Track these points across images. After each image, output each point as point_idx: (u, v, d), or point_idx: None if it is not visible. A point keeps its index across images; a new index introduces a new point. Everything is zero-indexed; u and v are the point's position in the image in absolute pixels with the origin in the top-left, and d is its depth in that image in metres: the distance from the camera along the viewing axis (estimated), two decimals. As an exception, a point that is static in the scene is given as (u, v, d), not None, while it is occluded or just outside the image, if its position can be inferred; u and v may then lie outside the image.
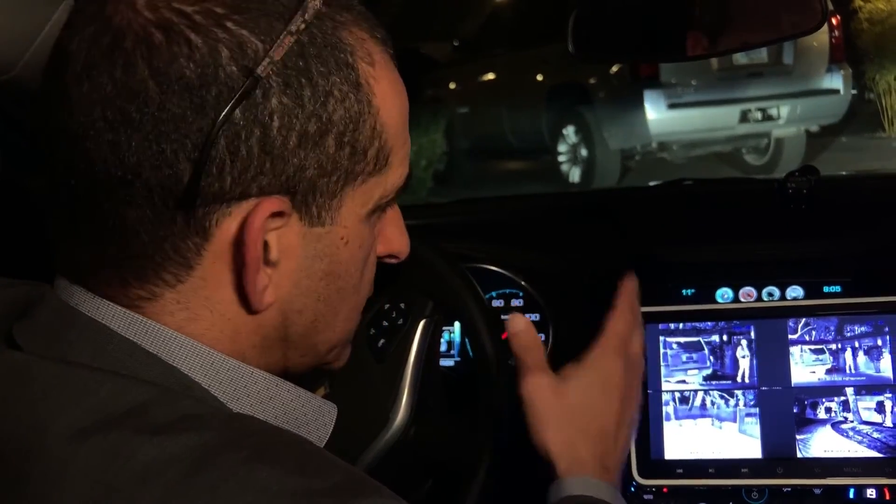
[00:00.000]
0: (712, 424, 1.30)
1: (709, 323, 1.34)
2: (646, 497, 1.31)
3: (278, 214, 0.69)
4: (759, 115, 7.16)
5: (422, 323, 1.29)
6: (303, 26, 0.67)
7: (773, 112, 7.17)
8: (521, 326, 1.07)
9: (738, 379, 1.31)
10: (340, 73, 0.69)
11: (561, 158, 7.64)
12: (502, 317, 1.13)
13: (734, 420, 1.29)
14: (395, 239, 0.84)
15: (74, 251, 0.72)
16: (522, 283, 1.60)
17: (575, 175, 7.49)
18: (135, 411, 0.65)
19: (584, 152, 7.41)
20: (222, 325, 0.72)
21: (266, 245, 0.69)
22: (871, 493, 1.31)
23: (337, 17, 0.71)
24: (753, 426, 1.28)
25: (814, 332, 1.30)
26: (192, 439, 0.64)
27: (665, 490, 1.33)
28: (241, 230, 0.68)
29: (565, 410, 1.02)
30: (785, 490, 1.32)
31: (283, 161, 0.67)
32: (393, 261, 0.85)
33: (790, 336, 1.31)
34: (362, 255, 0.77)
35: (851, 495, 1.31)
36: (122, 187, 0.66)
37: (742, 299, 1.47)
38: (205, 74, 0.65)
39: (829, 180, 1.61)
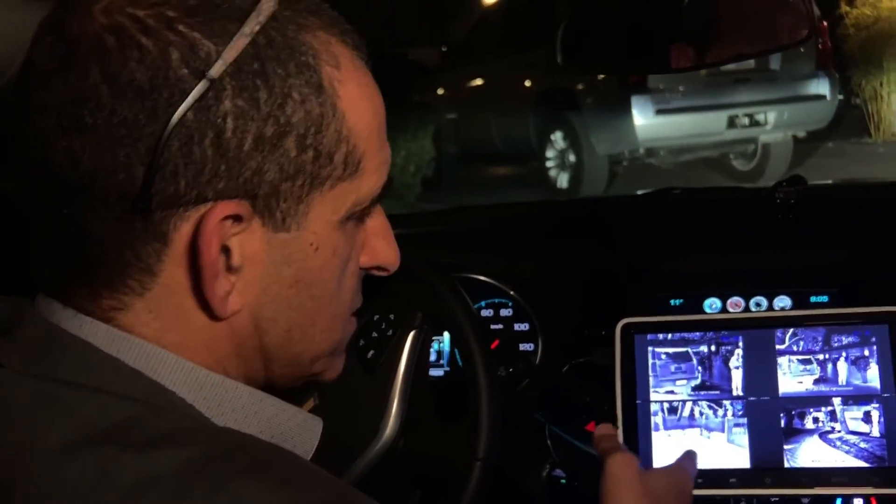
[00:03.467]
0: (700, 434, 1.30)
1: (697, 333, 1.35)
2: (634, 507, 1.31)
3: (235, 218, 0.68)
4: (746, 121, 7.18)
5: (411, 334, 1.29)
6: (257, 28, 0.67)
7: (761, 118, 7.20)
8: (605, 430, 1.18)
9: (727, 389, 1.31)
10: (301, 75, 0.68)
11: (549, 164, 7.66)
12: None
13: (722, 430, 1.29)
14: (381, 250, 0.82)
15: (48, 263, 0.72)
16: (511, 292, 1.60)
17: (563, 180, 7.50)
18: (121, 426, 0.65)
19: (571, 158, 7.42)
20: (196, 334, 0.71)
21: (228, 251, 0.69)
22: (858, 503, 1.31)
23: (300, 20, 0.70)
24: (742, 436, 1.29)
25: (801, 343, 1.31)
26: (181, 454, 0.63)
27: (653, 500, 1.33)
28: (196, 234, 0.67)
29: (645, 493, 1.07)
30: (773, 500, 1.32)
31: (238, 164, 0.66)
32: (382, 273, 0.84)
33: (778, 346, 1.31)
34: (337, 263, 0.76)
35: (839, 505, 1.32)
36: (80, 193, 0.66)
37: (730, 309, 1.47)
38: (156, 77, 0.64)
39: (817, 190, 1.62)
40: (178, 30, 0.65)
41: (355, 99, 0.72)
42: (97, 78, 0.65)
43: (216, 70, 0.65)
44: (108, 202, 0.66)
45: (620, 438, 1.30)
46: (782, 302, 1.45)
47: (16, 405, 0.67)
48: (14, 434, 0.65)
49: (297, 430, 0.78)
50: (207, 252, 0.67)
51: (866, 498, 1.30)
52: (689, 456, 1.20)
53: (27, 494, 0.63)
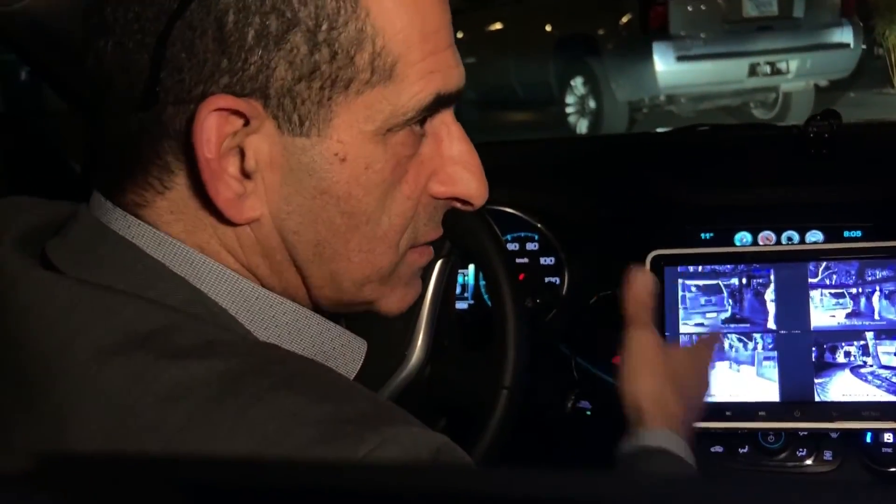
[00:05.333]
0: (730, 367, 1.29)
1: (728, 266, 1.33)
2: (662, 439, 1.30)
3: (239, 116, 0.65)
4: (767, 69, 7.09)
5: (438, 262, 1.28)
6: None
7: (783, 66, 7.11)
8: (643, 282, 1.09)
9: (757, 322, 1.30)
10: None
11: (568, 110, 7.59)
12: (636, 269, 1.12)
13: (752, 363, 1.28)
14: (460, 180, 0.75)
15: (96, 163, 0.73)
16: (538, 226, 1.59)
17: (582, 126, 7.44)
18: (158, 333, 0.64)
19: (591, 104, 7.36)
20: (220, 238, 0.70)
21: (243, 153, 0.67)
22: (888, 438, 1.31)
23: None
24: (772, 370, 1.27)
25: (834, 276, 1.29)
26: (218, 365, 0.63)
27: (681, 432, 1.32)
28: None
29: (667, 370, 1.05)
30: (801, 434, 1.31)
31: (240, 59, 0.64)
32: (467, 207, 0.77)
33: (810, 280, 1.30)
34: (374, 180, 0.70)
35: (868, 439, 1.31)
36: (105, 93, 0.67)
37: (761, 243, 1.46)
38: None
39: (851, 126, 1.59)
40: None
41: None
42: None
43: None
44: (126, 100, 0.66)
45: None
46: (814, 236, 1.43)
47: (54, 309, 0.66)
48: (51, 338, 0.65)
49: (340, 350, 0.76)
50: (202, 147, 0.65)
51: (896, 432, 1.30)
52: (713, 337, 1.20)
53: (63, 397, 0.63)
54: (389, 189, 0.72)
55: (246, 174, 0.68)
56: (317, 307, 0.76)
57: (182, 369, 0.62)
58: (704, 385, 1.12)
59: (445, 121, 0.75)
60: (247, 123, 0.66)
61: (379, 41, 0.67)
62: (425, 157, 0.74)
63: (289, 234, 0.71)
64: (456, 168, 0.75)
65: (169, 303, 0.67)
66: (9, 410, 0.65)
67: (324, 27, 0.65)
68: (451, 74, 0.72)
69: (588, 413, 1.46)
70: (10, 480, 0.40)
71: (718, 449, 1.35)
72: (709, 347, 1.15)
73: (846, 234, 1.41)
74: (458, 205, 0.77)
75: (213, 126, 0.65)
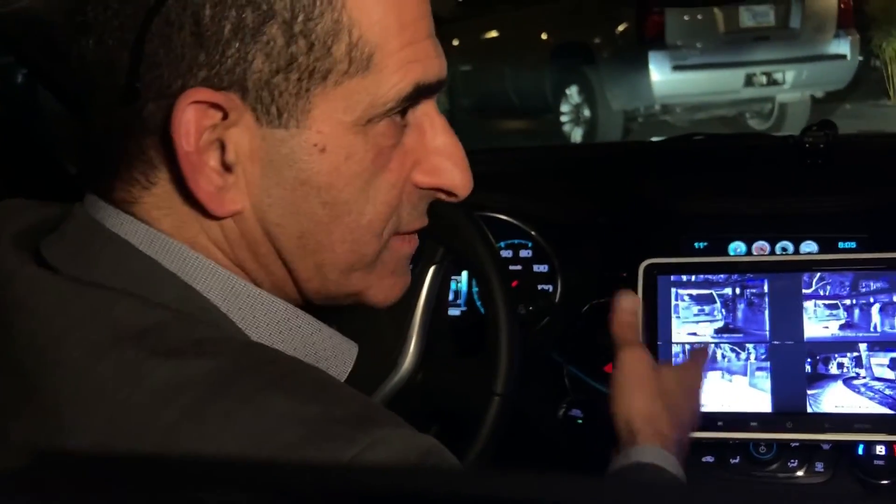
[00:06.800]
0: (722, 377, 1.28)
1: (722, 275, 1.32)
2: (653, 448, 1.30)
3: (218, 108, 0.65)
4: (764, 80, 7.10)
5: (431, 269, 1.28)
6: None
7: (779, 76, 7.11)
8: (629, 306, 1.13)
9: (750, 332, 1.29)
10: None
11: (563, 118, 7.59)
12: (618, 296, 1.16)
13: (745, 374, 1.28)
14: (444, 171, 0.75)
15: (84, 161, 0.73)
16: (532, 233, 1.59)
17: (577, 135, 7.44)
18: (149, 331, 0.64)
19: (586, 112, 7.36)
20: (208, 233, 0.70)
21: (223, 146, 0.67)
22: (880, 450, 1.30)
23: None
24: (764, 380, 1.27)
25: (828, 287, 1.28)
26: (208, 364, 0.63)
27: (672, 442, 1.32)
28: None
29: (658, 389, 1.06)
30: (793, 445, 1.31)
31: (217, 53, 0.64)
32: (451, 198, 0.77)
33: (804, 291, 1.29)
34: (355, 170, 0.70)
35: (860, 451, 1.30)
36: (88, 89, 0.67)
37: (755, 253, 1.45)
38: None
39: (847, 137, 1.59)
40: None
41: None
42: None
43: None
44: (109, 97, 0.66)
45: None
46: (809, 247, 1.43)
47: (47, 305, 0.66)
48: (45, 333, 0.65)
49: (331, 351, 0.76)
50: (180, 141, 0.65)
51: (888, 445, 1.29)
52: (701, 352, 1.22)
53: (57, 392, 0.63)
54: (371, 178, 0.72)
55: (227, 167, 0.68)
56: (306, 301, 0.76)
57: (173, 368, 0.62)
58: (695, 403, 1.12)
59: (428, 112, 0.75)
60: (225, 116, 0.66)
61: (356, 32, 0.67)
62: (408, 148, 0.74)
63: (272, 226, 0.71)
64: (440, 159, 0.76)
65: (160, 300, 0.67)
66: (5, 404, 0.65)
67: (300, 19, 0.66)
68: (431, 65, 0.72)
69: (579, 421, 1.46)
70: (6, 479, 0.40)
71: (709, 459, 1.34)
72: (698, 364, 1.16)
73: (841, 245, 1.41)
74: (443, 196, 0.77)
75: (191, 119, 0.65)
